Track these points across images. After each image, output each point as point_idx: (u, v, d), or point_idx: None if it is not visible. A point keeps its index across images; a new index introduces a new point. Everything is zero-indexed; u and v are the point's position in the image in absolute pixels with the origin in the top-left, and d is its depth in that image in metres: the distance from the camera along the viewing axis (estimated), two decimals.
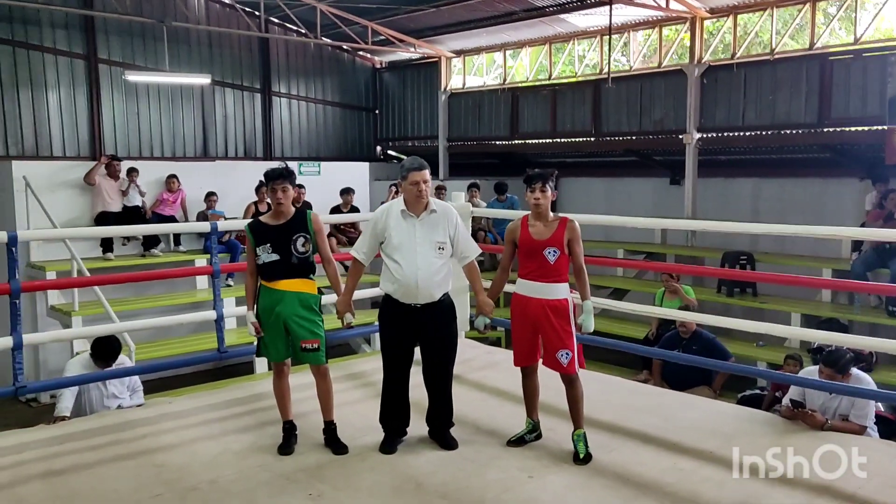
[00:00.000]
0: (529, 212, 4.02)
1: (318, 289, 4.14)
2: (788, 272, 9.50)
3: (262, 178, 4.07)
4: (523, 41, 14.14)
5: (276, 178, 3.98)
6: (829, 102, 10.24)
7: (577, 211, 13.79)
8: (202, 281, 9.61)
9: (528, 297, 3.96)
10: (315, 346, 4.00)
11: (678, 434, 4.21)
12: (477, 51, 15.13)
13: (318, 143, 16.40)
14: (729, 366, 6.48)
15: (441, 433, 4.11)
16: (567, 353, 3.92)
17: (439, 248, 3.97)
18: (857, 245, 8.96)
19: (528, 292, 3.96)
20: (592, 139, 13.29)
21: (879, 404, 6.46)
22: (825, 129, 10.32)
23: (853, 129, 10.05)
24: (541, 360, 4.05)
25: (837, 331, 8.11)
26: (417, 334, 4.04)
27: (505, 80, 14.92)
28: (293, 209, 4.08)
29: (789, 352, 7.29)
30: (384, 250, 4.03)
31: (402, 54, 15.77)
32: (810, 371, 4.62)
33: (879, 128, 9.49)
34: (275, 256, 3.98)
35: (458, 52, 15.34)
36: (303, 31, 14.34)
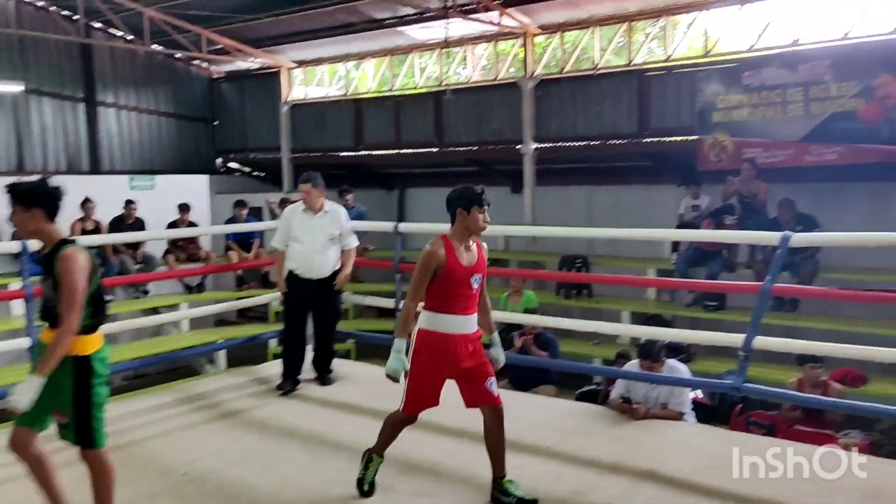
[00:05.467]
0: (450, 233, 3.57)
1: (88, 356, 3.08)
2: (620, 273, 10.16)
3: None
4: (364, 52, 14.17)
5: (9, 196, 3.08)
6: (648, 114, 11.07)
7: (424, 221, 13.98)
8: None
9: (450, 334, 3.50)
10: (63, 420, 3.12)
11: (520, 433, 4.35)
12: (318, 61, 14.97)
13: (151, 156, 15.49)
14: (565, 364, 6.81)
15: (323, 376, 5.51)
16: (494, 380, 3.64)
17: (330, 239, 5.40)
18: (675, 245, 9.71)
19: (451, 329, 3.51)
20: (436, 150, 13.52)
21: (699, 391, 7.07)
22: (645, 140, 11.14)
23: (670, 139, 10.91)
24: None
25: (661, 325, 8.76)
26: (312, 302, 5.40)
27: (348, 91, 14.86)
28: (56, 238, 3.09)
29: (621, 348, 7.78)
30: (291, 239, 5.37)
31: (241, 64, 15.29)
32: (633, 364, 4.95)
33: (692, 138, 10.37)
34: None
35: (300, 63, 15.10)
36: (129, 37, 13.53)
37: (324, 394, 5.27)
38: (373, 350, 10.06)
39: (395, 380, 3.57)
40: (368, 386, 5.44)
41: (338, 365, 5.86)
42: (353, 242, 5.64)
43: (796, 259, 8.29)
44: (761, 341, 4.16)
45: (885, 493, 3.32)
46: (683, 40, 11.44)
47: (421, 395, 3.60)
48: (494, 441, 3.61)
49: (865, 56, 8.99)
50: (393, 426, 3.71)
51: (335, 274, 5.47)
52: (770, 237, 4.55)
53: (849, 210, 9.46)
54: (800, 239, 4.41)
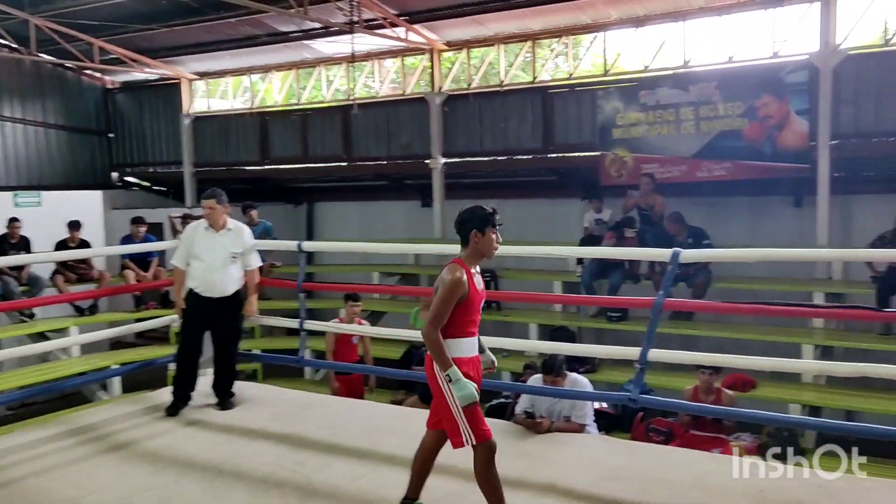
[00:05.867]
0: (464, 257, 3.39)
1: None
2: (528, 286, 10.31)
3: None
4: (270, 65, 13.93)
5: None
6: (552, 130, 11.35)
7: (334, 235, 13.86)
8: None
9: (470, 358, 3.42)
10: None
11: None
12: (221, 73, 14.61)
13: (39, 170, 14.67)
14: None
15: (223, 400, 5.27)
16: None
17: (233, 257, 5.24)
18: (580, 258, 9.96)
19: (470, 352, 3.44)
20: (344, 164, 13.42)
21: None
22: (550, 155, 11.41)
23: (573, 154, 11.22)
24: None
25: (566, 338, 8.95)
26: (211, 321, 5.21)
27: (253, 103, 14.55)
28: None
29: (529, 360, 7.89)
30: (192, 257, 5.22)
31: (138, 74, 14.73)
32: (537, 379, 5.02)
33: (594, 153, 10.70)
34: None
35: (202, 74, 14.69)
36: (14, 46, 12.80)
37: (224, 419, 5.07)
38: (280, 371, 9.89)
39: (475, 403, 3.32)
40: (273, 409, 5.30)
41: (241, 388, 5.67)
42: (256, 262, 5.48)
43: (691, 270, 8.67)
44: (656, 353, 4.30)
45: (770, 497, 3.49)
46: (585, 59, 11.83)
47: (480, 416, 3.38)
48: (430, 463, 3.56)
49: (748, 78, 9.55)
50: (490, 468, 3.32)
51: (237, 293, 5.32)
52: (661, 254, 4.72)
53: (735, 222, 10.00)
54: (688, 255, 4.61)
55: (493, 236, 3.39)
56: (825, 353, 8.13)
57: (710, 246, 8.64)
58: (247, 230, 5.45)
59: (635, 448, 4.68)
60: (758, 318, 8.52)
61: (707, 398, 6.25)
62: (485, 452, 3.30)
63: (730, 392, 6.41)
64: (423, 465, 3.56)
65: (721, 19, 9.86)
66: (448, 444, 3.44)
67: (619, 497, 3.49)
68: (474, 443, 3.28)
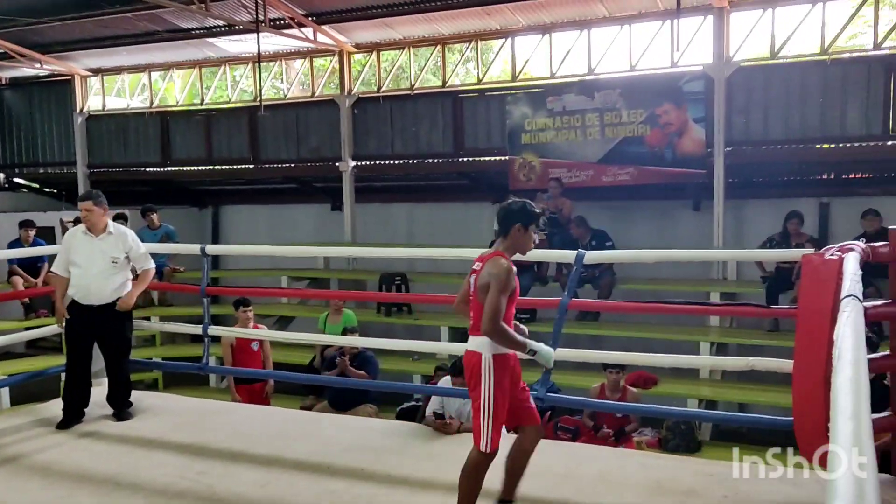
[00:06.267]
0: (504, 249, 3.30)
1: None
2: (439, 289, 10.33)
3: None
4: (170, 63, 13.44)
5: None
6: (463, 135, 11.44)
7: (241, 239, 13.52)
8: None
9: (512, 353, 3.34)
10: None
11: (333, 456, 4.27)
12: (118, 70, 13.98)
13: None
14: (383, 384, 6.81)
15: (119, 411, 5.03)
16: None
17: (113, 262, 4.96)
18: None
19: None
20: (251, 166, 13.10)
21: None
22: (461, 159, 11.50)
23: (483, 158, 11.35)
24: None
25: None
26: (95, 331, 4.96)
27: (152, 103, 14.00)
28: None
29: (440, 362, 7.91)
30: (71, 263, 4.94)
31: (28, 70, 13.90)
32: (446, 380, 5.03)
33: (503, 157, 10.86)
34: None
35: (96, 71, 14.01)
36: None
37: (121, 430, 4.83)
38: (184, 379, 9.54)
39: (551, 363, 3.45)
40: (174, 418, 5.10)
41: (139, 397, 5.43)
42: (149, 265, 5.22)
43: (596, 272, 8.92)
44: (562, 353, 4.38)
45: (667, 486, 3.61)
46: (495, 64, 12.00)
47: (500, 425, 3.32)
48: (522, 463, 3.42)
49: (650, 87, 9.93)
50: (478, 474, 3.29)
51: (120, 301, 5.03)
52: (567, 255, 4.83)
53: (640, 225, 10.37)
54: (591, 257, 4.75)
55: (534, 236, 3.37)
56: (720, 349, 8.55)
57: (612, 248, 8.94)
58: (130, 234, 5.17)
59: (543, 445, 4.72)
60: (660, 317, 8.86)
61: (613, 395, 6.44)
62: (485, 459, 3.30)
63: (634, 389, 6.63)
64: (521, 466, 3.45)
65: (623, 29, 10.20)
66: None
67: (527, 493, 3.52)
68: (489, 449, 3.26)
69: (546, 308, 6.63)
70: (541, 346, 3.31)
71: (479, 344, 3.25)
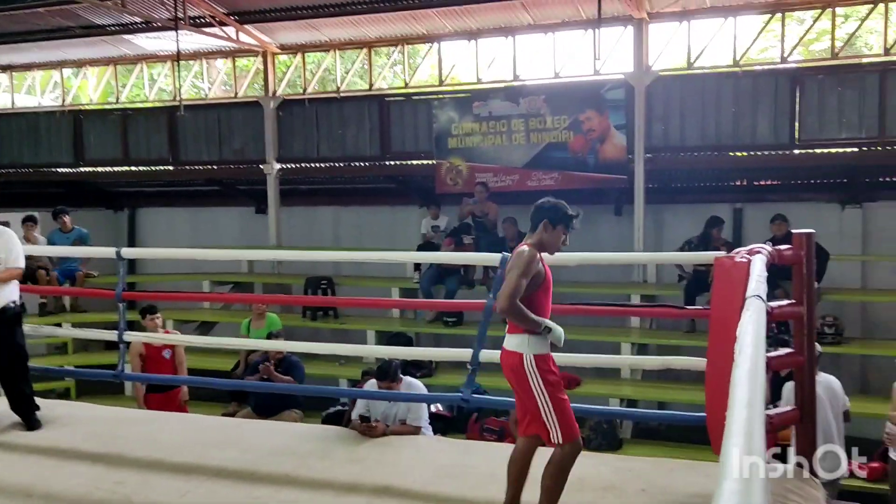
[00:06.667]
0: (532, 244, 3.37)
1: None
2: (366, 292, 10.30)
3: None
4: (84, 60, 12.92)
5: None
6: (390, 138, 11.41)
7: (160, 243, 13.14)
8: None
9: (550, 355, 3.33)
10: None
11: (256, 462, 4.19)
12: (28, 67, 13.35)
13: None
14: (309, 388, 6.72)
15: (26, 421, 4.82)
16: None
17: None
18: (418, 265, 10.10)
19: (549, 346, 3.35)
20: (171, 168, 12.72)
21: (439, 404, 7.38)
22: (388, 163, 11.48)
23: (410, 162, 11.36)
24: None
25: (404, 344, 9.02)
26: None
27: (65, 101, 13.42)
28: None
29: (367, 366, 7.87)
30: None
31: None
32: (372, 384, 5.01)
33: (430, 162, 10.90)
34: None
35: (5, 68, 13.35)
36: None
37: (30, 440, 4.61)
38: (99, 388, 9.16)
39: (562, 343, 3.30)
40: (87, 427, 4.89)
41: (49, 406, 5.19)
42: (19, 263, 4.84)
43: None
44: (488, 354, 4.43)
45: (587, 482, 3.70)
46: (422, 69, 12.03)
47: (570, 416, 3.29)
48: (526, 470, 3.37)
49: (573, 94, 10.15)
50: (564, 472, 3.23)
51: (3, 309, 4.70)
52: (492, 258, 4.88)
53: None
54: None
55: (563, 236, 3.40)
56: (641, 349, 8.81)
57: None
58: (8, 233, 4.88)
59: (468, 446, 4.79)
60: (583, 319, 9.05)
61: None
62: (568, 451, 3.24)
63: None
64: (519, 474, 3.37)
65: (548, 37, 10.41)
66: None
67: (452, 494, 3.55)
68: (561, 441, 3.21)
69: (472, 311, 6.69)
70: (554, 325, 3.29)
71: (517, 344, 3.26)
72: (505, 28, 10.51)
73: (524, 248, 3.31)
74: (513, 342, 3.29)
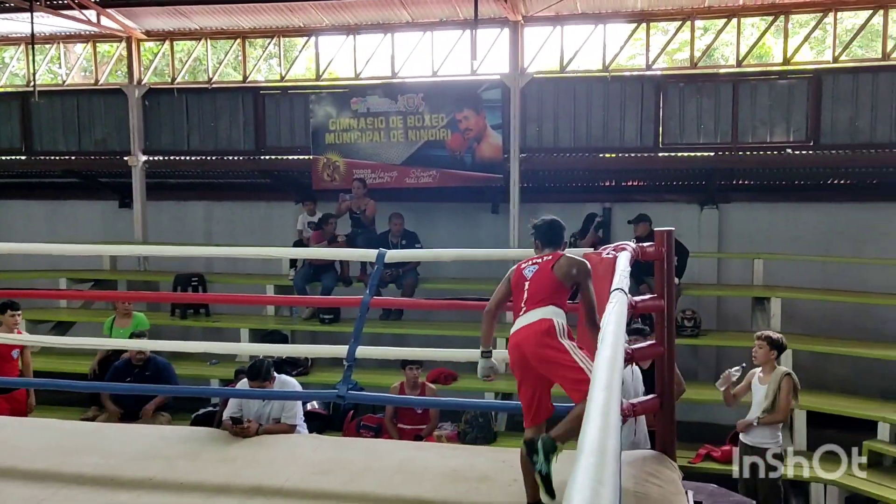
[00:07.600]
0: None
1: None
2: (239, 290, 9.96)
3: None
4: None
5: None
6: (264, 132, 11.09)
7: (13, 238, 12.18)
8: None
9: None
10: None
11: (119, 467, 3.98)
12: None
13: None
14: (179, 389, 6.44)
15: None
16: None
17: None
18: (293, 262, 9.90)
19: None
20: (24, 158, 11.81)
21: (315, 403, 7.28)
22: (263, 157, 11.16)
23: (286, 157, 11.11)
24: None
25: (279, 341, 8.84)
26: None
27: None
28: None
29: (240, 366, 7.63)
30: None
31: None
32: (244, 384, 4.87)
33: (307, 157, 10.71)
34: None
35: None
36: None
37: None
38: None
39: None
40: None
41: None
42: None
43: (401, 272, 9.09)
44: (364, 350, 4.40)
45: (462, 474, 3.76)
46: (299, 62, 11.79)
47: None
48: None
49: (451, 93, 10.29)
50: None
51: None
52: (368, 254, 4.86)
53: (443, 227, 10.70)
54: (392, 255, 4.82)
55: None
56: None
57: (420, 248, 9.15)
58: None
59: (343, 443, 4.75)
60: (460, 314, 9.18)
61: (413, 392, 6.58)
62: None
63: (432, 385, 6.84)
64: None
65: (426, 35, 10.48)
66: None
67: (327, 489, 3.51)
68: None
69: (349, 307, 6.63)
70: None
71: (545, 312, 3.37)
72: (383, 25, 10.49)
73: (579, 260, 3.49)
74: (540, 312, 3.40)
